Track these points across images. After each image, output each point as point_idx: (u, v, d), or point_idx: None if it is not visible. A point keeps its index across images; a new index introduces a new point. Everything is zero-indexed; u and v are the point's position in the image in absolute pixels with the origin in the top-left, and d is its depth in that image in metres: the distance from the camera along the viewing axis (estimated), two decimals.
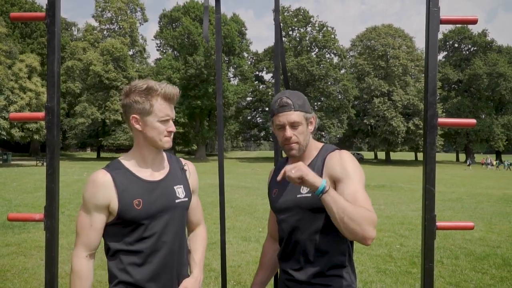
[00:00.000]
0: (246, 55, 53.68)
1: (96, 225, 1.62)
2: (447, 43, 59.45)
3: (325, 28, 51.53)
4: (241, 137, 62.01)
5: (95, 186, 1.61)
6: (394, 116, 47.79)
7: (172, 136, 1.67)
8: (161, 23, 52.16)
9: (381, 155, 61.56)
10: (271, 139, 56.00)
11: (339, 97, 49.44)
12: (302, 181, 1.48)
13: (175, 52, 48.47)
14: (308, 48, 51.04)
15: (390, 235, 7.59)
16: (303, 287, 1.69)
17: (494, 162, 44.26)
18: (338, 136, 51.55)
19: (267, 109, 50.51)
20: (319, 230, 1.65)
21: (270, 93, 47.86)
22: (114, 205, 1.59)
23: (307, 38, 50.76)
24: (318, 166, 1.68)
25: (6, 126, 30.23)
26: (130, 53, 50.83)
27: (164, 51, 51.19)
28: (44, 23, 1.70)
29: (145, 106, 1.60)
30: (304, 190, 1.66)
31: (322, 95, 49.13)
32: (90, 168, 26.43)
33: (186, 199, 1.74)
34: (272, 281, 2.07)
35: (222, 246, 2.13)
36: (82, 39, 49.38)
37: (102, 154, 52.70)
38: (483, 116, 54.65)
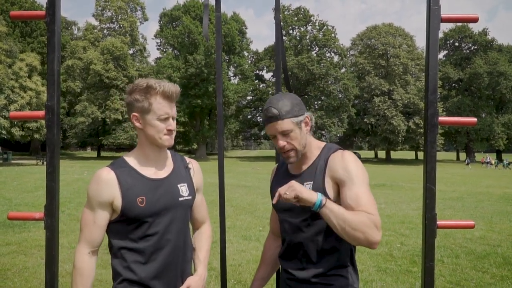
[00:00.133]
0: (246, 54, 53.64)
1: (100, 222, 1.64)
2: (448, 42, 59.38)
3: (325, 27, 51.50)
4: (242, 136, 61.99)
5: (99, 183, 1.63)
6: (395, 115, 47.75)
7: (173, 134, 1.67)
8: (161, 22, 52.13)
9: (382, 154, 61.53)
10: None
11: (340, 96, 49.42)
12: (298, 200, 1.47)
13: (176, 51, 48.44)
14: (309, 47, 51.02)
15: (390, 234, 7.59)
16: (304, 287, 1.68)
17: (493, 161, 44.08)
18: (338, 135, 51.52)
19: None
20: (321, 231, 1.64)
21: (270, 92, 47.81)
22: (118, 202, 1.61)
23: (307, 37, 50.74)
24: (320, 166, 1.66)
25: (6, 125, 30.23)
26: (131, 52, 50.80)
27: (165, 50, 51.17)
28: (44, 21, 1.70)
29: (144, 105, 1.61)
30: None
31: (322, 94, 49.11)
32: (90, 167, 26.45)
33: (190, 197, 1.75)
34: (272, 280, 2.07)
35: (222, 245, 2.13)
36: (83, 38, 49.35)
37: (103, 153, 52.70)
38: (484, 115, 54.60)
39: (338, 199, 1.59)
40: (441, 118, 1.66)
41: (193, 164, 1.85)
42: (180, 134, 47.02)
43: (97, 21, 50.06)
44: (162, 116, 1.62)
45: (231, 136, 60.20)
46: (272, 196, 1.84)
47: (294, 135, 1.65)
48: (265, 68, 51.71)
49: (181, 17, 48.89)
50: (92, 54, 43.12)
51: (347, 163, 1.60)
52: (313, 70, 47.24)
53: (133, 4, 52.08)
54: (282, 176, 1.83)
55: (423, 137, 1.87)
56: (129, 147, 44.49)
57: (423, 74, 50.79)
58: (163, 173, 1.72)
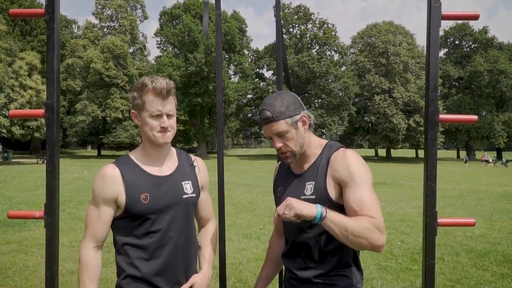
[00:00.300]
0: (246, 52, 53.61)
1: (104, 218, 1.66)
2: (448, 40, 59.30)
3: (325, 25, 51.44)
4: (242, 135, 61.98)
5: (103, 180, 1.64)
6: (395, 113, 47.74)
7: (167, 131, 1.65)
8: (161, 21, 52.09)
9: (382, 152, 61.54)
10: None
11: (340, 94, 49.40)
12: (298, 217, 1.45)
13: (176, 50, 48.40)
14: (309, 45, 50.98)
15: (391, 232, 7.59)
16: (307, 286, 1.67)
17: (491, 159, 43.84)
18: (338, 133, 51.50)
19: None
20: (324, 231, 1.61)
21: (271, 90, 47.79)
22: (122, 199, 1.62)
23: (307, 35, 50.70)
24: (322, 166, 1.64)
25: (6, 124, 30.24)
26: (131, 50, 50.76)
27: (165, 48, 51.13)
28: (44, 20, 1.69)
29: (139, 102, 1.64)
30: (307, 191, 1.63)
31: (322, 92, 49.10)
32: (90, 166, 26.46)
33: (194, 195, 1.76)
34: (275, 279, 2.07)
35: (221, 244, 2.13)
36: (82, 37, 49.32)
37: (103, 152, 52.70)
38: (484, 113, 54.53)
39: (340, 199, 1.58)
40: (441, 116, 1.66)
41: (198, 162, 1.86)
42: (181, 133, 47.02)
43: (97, 19, 50.04)
44: (153, 113, 1.62)
45: (232, 135, 60.17)
46: (275, 194, 1.83)
47: (290, 136, 1.63)
48: (265, 66, 51.68)
49: (181, 15, 48.84)
50: (92, 53, 43.09)
51: (349, 163, 1.57)
52: (314, 68, 47.22)
53: (133, 2, 52.04)
54: (284, 175, 1.81)
55: (423, 135, 1.86)
56: (130, 146, 44.52)
57: (424, 72, 50.52)
58: (167, 171, 1.73)
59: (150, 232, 1.65)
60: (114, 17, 50.22)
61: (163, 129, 1.64)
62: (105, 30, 50.56)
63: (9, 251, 6.00)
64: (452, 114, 1.74)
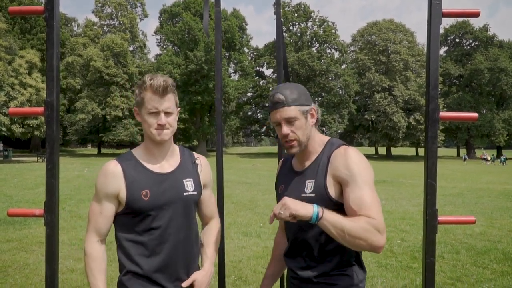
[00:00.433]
0: (246, 50, 53.56)
1: (106, 213, 1.68)
2: (448, 38, 59.20)
3: (325, 23, 51.37)
4: (242, 133, 61.96)
5: (106, 175, 1.67)
6: (395, 111, 47.70)
7: (164, 129, 1.66)
8: (161, 19, 52.04)
9: (382, 150, 61.51)
10: (272, 134, 56.05)
11: (340, 92, 49.37)
12: (294, 217, 1.43)
13: (176, 48, 48.37)
14: (309, 43, 50.92)
15: (391, 230, 7.59)
16: (308, 286, 1.66)
17: (489, 157, 43.60)
18: (339, 131, 51.49)
19: (267, 104, 50.32)
20: None
21: (270, 89, 47.69)
22: (123, 194, 1.64)
23: (307, 33, 50.63)
24: (323, 163, 1.61)
25: (6, 122, 30.24)
26: (131, 48, 50.71)
27: (165, 46, 51.08)
28: (43, 17, 1.69)
29: (139, 99, 1.66)
30: (308, 189, 1.61)
31: (323, 90, 49.05)
32: (91, 164, 26.46)
33: (195, 192, 1.76)
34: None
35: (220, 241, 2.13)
36: (82, 35, 49.25)
37: (103, 150, 52.70)
38: (484, 111, 54.45)
39: (340, 198, 1.55)
40: (442, 113, 1.66)
41: (201, 160, 1.86)
42: (181, 131, 46.99)
43: (96, 17, 49.96)
44: (151, 110, 1.63)
45: (232, 133, 60.18)
46: (277, 192, 1.82)
47: (299, 124, 1.61)
48: (265, 64, 51.64)
49: (181, 13, 48.79)
50: (92, 51, 43.04)
51: (349, 162, 1.54)
52: (314, 66, 47.19)
53: (132, 0, 51.96)
54: (286, 172, 1.80)
55: (423, 133, 1.85)
56: (130, 144, 44.54)
57: (424, 70, 50.69)
58: (168, 168, 1.74)
59: (151, 228, 1.66)
60: (114, 15, 50.15)
61: (160, 127, 1.64)
62: (105, 28, 50.49)
63: (10, 249, 6.01)
64: (453, 112, 1.74)
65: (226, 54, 47.98)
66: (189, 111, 45.52)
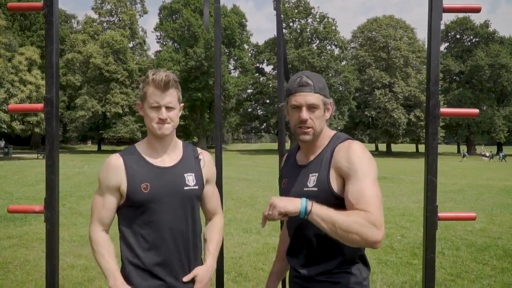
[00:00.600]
0: (246, 47, 53.45)
1: (108, 205, 1.72)
2: (449, 34, 59.05)
3: (326, 20, 51.24)
4: (242, 130, 61.99)
5: (108, 168, 1.71)
6: (395, 108, 47.65)
7: (165, 123, 1.68)
8: (161, 15, 51.90)
9: (382, 147, 61.53)
10: (272, 131, 56.04)
11: (340, 89, 49.30)
12: (284, 214, 1.43)
13: (175, 44, 48.27)
14: (309, 40, 50.79)
15: (391, 226, 7.60)
16: (310, 285, 1.63)
17: (488, 153, 43.38)
18: (339, 128, 51.48)
19: (267, 101, 50.42)
20: None
21: (271, 85, 47.70)
22: (124, 187, 1.68)
23: (307, 29, 50.50)
24: (326, 157, 1.60)
25: (6, 119, 30.22)
26: (130, 45, 50.61)
27: (164, 43, 51.00)
28: (42, 13, 1.69)
29: (142, 94, 1.70)
30: (310, 183, 1.59)
31: None
32: (91, 161, 26.47)
33: (197, 187, 1.77)
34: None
35: None
36: (82, 32, 49.16)
37: (103, 147, 52.69)
38: (485, 107, 54.38)
39: (343, 192, 1.53)
40: (442, 110, 1.65)
41: (204, 156, 1.87)
42: (181, 128, 46.98)
43: (96, 14, 49.86)
44: (152, 104, 1.66)
45: (232, 130, 60.21)
46: (280, 186, 1.81)
47: (319, 114, 1.59)
48: (265, 61, 51.54)
49: (181, 10, 48.65)
50: (91, 48, 42.97)
51: (351, 155, 1.52)
52: (314, 63, 47.09)
53: None
54: (290, 166, 1.78)
55: (424, 130, 1.84)
56: (130, 141, 44.51)
57: (424, 66, 50.61)
58: (170, 162, 1.76)
59: (151, 221, 1.68)
60: (114, 11, 50.04)
61: (161, 121, 1.66)
62: (104, 25, 50.39)
63: (10, 245, 6.02)
64: (453, 108, 1.74)
65: (226, 51, 47.88)
66: (189, 108, 45.47)
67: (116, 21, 50.39)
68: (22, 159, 28.92)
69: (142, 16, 54.84)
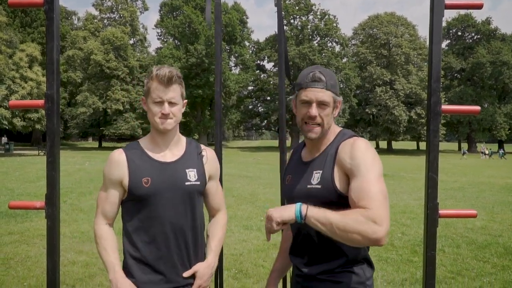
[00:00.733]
0: (247, 44, 53.38)
1: (112, 199, 1.75)
2: (450, 31, 58.88)
3: (327, 17, 51.11)
4: (243, 127, 61.93)
5: (111, 163, 1.75)
6: (396, 105, 47.60)
7: (168, 118, 1.69)
8: (161, 12, 51.81)
9: (383, 144, 61.50)
10: (272, 128, 56.03)
11: (341, 86, 49.19)
12: (282, 224, 1.43)
13: (176, 41, 48.22)
14: (310, 37, 50.69)
15: (391, 223, 7.58)
16: (312, 283, 1.61)
17: (487, 151, 43.17)
18: (339, 125, 51.10)
19: (268, 98, 50.41)
20: None
21: (272, 82, 47.66)
22: (126, 181, 1.70)
23: (308, 26, 50.38)
24: (331, 155, 1.57)
25: (8, 116, 30.24)
26: (131, 42, 50.59)
27: (165, 40, 50.94)
28: (43, 10, 1.69)
29: (146, 89, 1.72)
30: (314, 180, 1.56)
31: None
32: (92, 158, 26.50)
33: (198, 183, 1.78)
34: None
35: None
36: (83, 28, 49.14)
37: (104, 144, 52.76)
38: (486, 105, 54.25)
39: (347, 190, 1.49)
40: (443, 107, 1.65)
41: (207, 152, 1.88)
42: (181, 125, 46.52)
43: (97, 11, 49.83)
44: (155, 99, 1.68)
45: (232, 127, 60.12)
46: (284, 182, 1.80)
47: (328, 111, 1.57)
48: (266, 58, 51.46)
49: (181, 6, 48.57)
50: (92, 44, 42.96)
51: (355, 151, 1.49)
52: (315, 60, 46.97)
53: None
54: (295, 163, 1.76)
55: (424, 127, 1.84)
56: (130, 138, 44.56)
57: (425, 63, 50.50)
58: (172, 157, 1.77)
59: (152, 216, 1.69)
60: (114, 8, 50.00)
61: (164, 116, 1.68)
62: (105, 21, 50.37)
63: (11, 241, 6.03)
64: (455, 105, 1.73)
65: (226, 48, 47.82)
66: (190, 105, 45.46)
67: (116, 17, 50.35)
68: (23, 156, 28.96)
69: (143, 12, 54.70)
